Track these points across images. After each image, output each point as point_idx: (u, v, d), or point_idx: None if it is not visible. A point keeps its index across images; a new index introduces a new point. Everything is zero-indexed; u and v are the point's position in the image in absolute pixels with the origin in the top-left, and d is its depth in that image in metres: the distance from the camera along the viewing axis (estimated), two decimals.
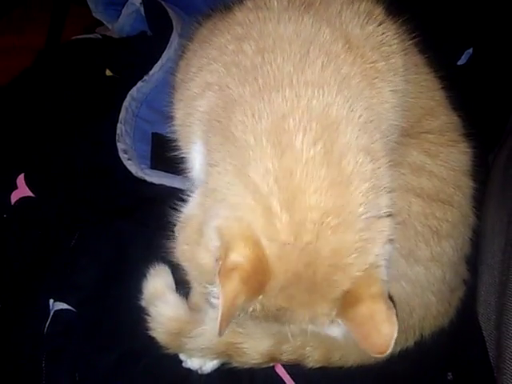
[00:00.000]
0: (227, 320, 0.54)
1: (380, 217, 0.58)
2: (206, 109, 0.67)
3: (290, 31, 0.64)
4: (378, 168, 0.59)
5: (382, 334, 0.54)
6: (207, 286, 0.59)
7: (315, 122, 0.57)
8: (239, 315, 0.59)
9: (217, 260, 0.55)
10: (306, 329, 0.61)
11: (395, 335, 0.54)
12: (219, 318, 0.53)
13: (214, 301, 0.57)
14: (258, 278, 0.54)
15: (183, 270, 0.68)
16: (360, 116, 0.60)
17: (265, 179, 0.55)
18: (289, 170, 0.55)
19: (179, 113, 0.76)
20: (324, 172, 0.55)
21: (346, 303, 0.57)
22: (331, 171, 0.55)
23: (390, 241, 0.59)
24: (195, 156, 0.72)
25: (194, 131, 0.70)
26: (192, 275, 0.67)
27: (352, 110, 0.59)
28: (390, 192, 0.60)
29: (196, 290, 0.69)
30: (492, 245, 0.92)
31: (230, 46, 0.67)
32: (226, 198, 0.58)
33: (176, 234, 0.69)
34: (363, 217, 0.56)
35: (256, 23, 0.67)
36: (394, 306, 0.56)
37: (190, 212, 0.66)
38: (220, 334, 0.54)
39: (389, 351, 0.55)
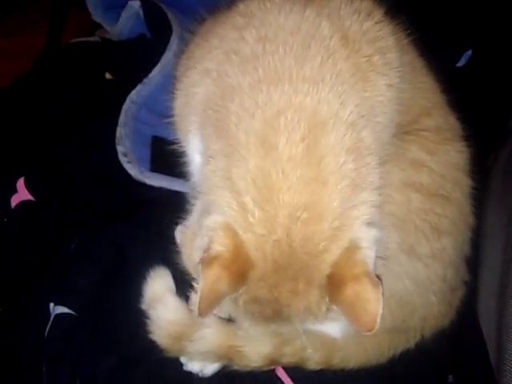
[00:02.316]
0: (206, 302, 0.57)
1: (357, 206, 0.59)
2: (202, 97, 0.68)
3: (292, 23, 0.65)
4: (363, 166, 0.60)
5: (368, 312, 0.56)
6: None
7: (304, 121, 0.58)
8: (235, 309, 0.61)
9: (204, 253, 0.59)
10: (305, 320, 0.63)
11: (380, 311, 0.56)
12: (198, 299, 0.56)
13: (196, 286, 0.60)
14: (238, 265, 0.57)
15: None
16: (350, 112, 0.61)
17: (242, 179, 0.58)
18: (267, 170, 0.58)
19: (178, 101, 0.77)
20: (300, 171, 0.57)
21: (334, 288, 0.59)
22: (309, 171, 0.57)
23: (370, 224, 0.60)
24: (193, 148, 0.73)
25: (190, 122, 0.71)
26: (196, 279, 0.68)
27: (343, 106, 0.61)
28: (376, 188, 0.62)
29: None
30: (492, 245, 0.92)
31: (230, 34, 0.68)
32: (215, 197, 0.61)
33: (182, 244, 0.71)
34: (337, 210, 0.58)
35: (258, 13, 0.68)
36: (381, 283, 0.58)
37: (192, 220, 0.70)
38: (200, 314, 0.57)
39: (376, 328, 0.56)
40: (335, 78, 0.62)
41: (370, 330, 0.57)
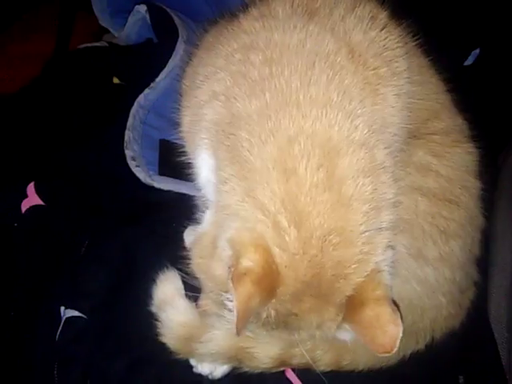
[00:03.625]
0: (243, 320, 0.56)
1: (380, 229, 0.61)
2: (212, 117, 0.68)
3: (296, 41, 0.65)
4: (380, 186, 0.61)
5: (387, 335, 0.57)
6: (222, 293, 0.61)
7: (318, 147, 0.58)
8: (256, 322, 0.61)
9: (229, 267, 0.58)
10: (314, 335, 0.63)
11: (400, 335, 0.57)
12: (235, 319, 0.55)
13: (229, 304, 0.59)
14: (268, 281, 0.57)
15: (198, 280, 0.71)
16: (361, 131, 0.61)
17: (272, 201, 0.58)
18: (294, 194, 0.58)
19: (186, 119, 0.77)
20: (326, 197, 0.57)
21: (352, 308, 0.59)
22: (332, 196, 0.58)
23: (390, 247, 0.62)
24: (201, 163, 0.73)
25: (200, 139, 0.71)
26: (208, 287, 0.69)
27: (354, 127, 0.61)
28: (393, 204, 0.63)
29: (211, 299, 0.71)
30: (502, 246, 0.91)
31: (236, 55, 0.67)
32: (237, 212, 0.60)
33: (190, 249, 0.71)
34: (364, 234, 0.59)
35: (262, 32, 0.67)
36: (398, 309, 0.59)
37: (203, 229, 0.69)
38: (238, 333, 0.57)
39: (395, 350, 0.57)
40: (342, 95, 0.61)
41: (388, 352, 0.57)
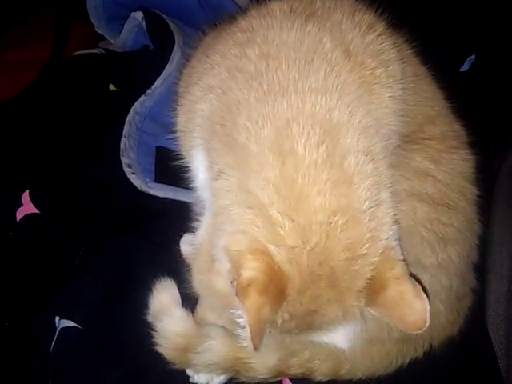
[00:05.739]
0: (258, 334, 0.54)
1: (382, 204, 0.60)
2: (207, 113, 0.67)
3: (294, 38, 0.65)
4: (378, 167, 0.61)
5: (416, 311, 0.56)
6: (231, 311, 0.59)
7: (318, 126, 0.58)
8: (274, 331, 0.59)
9: (231, 282, 0.57)
10: (337, 327, 0.62)
11: (428, 307, 0.56)
12: (249, 335, 0.53)
13: (240, 320, 0.57)
14: (275, 285, 0.55)
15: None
16: (360, 121, 0.61)
17: (264, 191, 0.56)
18: (290, 177, 0.56)
19: (181, 118, 0.76)
20: (326, 174, 0.56)
21: (374, 291, 0.58)
22: (333, 172, 0.56)
23: (396, 222, 0.61)
24: (197, 164, 0.73)
25: (194, 138, 0.71)
26: (212, 304, 0.68)
27: (352, 115, 0.60)
28: (389, 188, 0.62)
29: (219, 319, 0.69)
30: (499, 252, 0.91)
31: (232, 50, 0.67)
32: (229, 215, 0.59)
33: (191, 265, 0.70)
34: (369, 210, 0.57)
35: (259, 29, 0.68)
36: (419, 282, 0.58)
37: (200, 237, 0.68)
38: (255, 349, 0.54)
39: (427, 325, 0.56)
40: (340, 88, 0.61)
41: (421, 328, 0.56)
